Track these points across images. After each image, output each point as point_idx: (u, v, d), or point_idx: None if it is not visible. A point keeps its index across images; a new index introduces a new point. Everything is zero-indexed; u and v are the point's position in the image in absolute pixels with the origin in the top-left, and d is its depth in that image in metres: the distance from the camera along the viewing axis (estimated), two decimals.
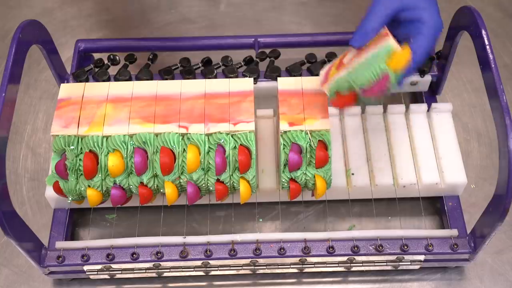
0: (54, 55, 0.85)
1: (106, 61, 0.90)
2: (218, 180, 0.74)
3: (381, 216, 0.84)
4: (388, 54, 0.69)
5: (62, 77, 0.88)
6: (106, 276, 0.79)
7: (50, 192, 0.79)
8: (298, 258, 0.76)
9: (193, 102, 0.76)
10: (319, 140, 0.73)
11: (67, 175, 0.74)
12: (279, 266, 0.78)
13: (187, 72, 0.88)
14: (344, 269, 0.79)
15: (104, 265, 0.76)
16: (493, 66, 0.70)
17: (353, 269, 0.79)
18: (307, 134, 0.73)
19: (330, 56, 0.89)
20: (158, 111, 0.75)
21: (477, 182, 0.88)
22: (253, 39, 0.93)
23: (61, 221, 0.82)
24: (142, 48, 0.93)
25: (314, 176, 0.74)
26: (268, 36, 0.94)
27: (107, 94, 0.77)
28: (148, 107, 0.76)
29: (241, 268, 0.78)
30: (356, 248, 0.76)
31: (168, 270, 0.78)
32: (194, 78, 0.88)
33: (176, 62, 0.90)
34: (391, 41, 0.69)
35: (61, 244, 0.77)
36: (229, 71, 0.88)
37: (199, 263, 0.76)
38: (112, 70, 0.90)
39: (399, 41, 0.70)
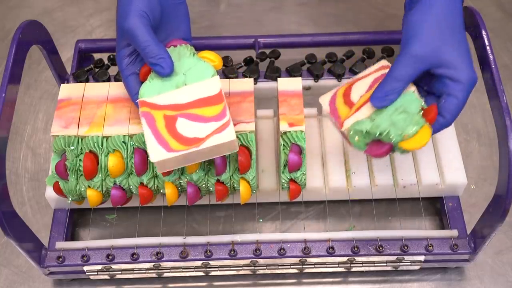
0: (54, 55, 0.85)
1: (106, 61, 0.90)
2: (218, 180, 0.74)
3: (381, 217, 0.84)
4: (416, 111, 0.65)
5: (62, 77, 0.88)
6: (106, 277, 0.79)
7: (50, 192, 0.79)
8: (298, 259, 0.76)
9: None
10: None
11: (67, 176, 0.74)
12: (279, 267, 0.78)
13: None
14: (344, 270, 0.79)
15: (104, 265, 0.76)
16: (493, 66, 0.70)
17: (353, 269, 0.79)
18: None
19: (330, 57, 0.89)
20: None
21: (477, 182, 0.88)
22: (253, 40, 0.93)
23: (61, 221, 0.82)
24: None
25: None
26: (268, 37, 0.93)
27: (107, 95, 0.77)
28: None
29: (241, 268, 0.78)
30: (356, 249, 0.76)
31: (168, 270, 0.78)
32: None
33: None
34: (416, 96, 0.66)
35: (61, 245, 0.77)
36: (229, 71, 0.88)
37: (199, 263, 0.76)
38: (112, 70, 0.90)
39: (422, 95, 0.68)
